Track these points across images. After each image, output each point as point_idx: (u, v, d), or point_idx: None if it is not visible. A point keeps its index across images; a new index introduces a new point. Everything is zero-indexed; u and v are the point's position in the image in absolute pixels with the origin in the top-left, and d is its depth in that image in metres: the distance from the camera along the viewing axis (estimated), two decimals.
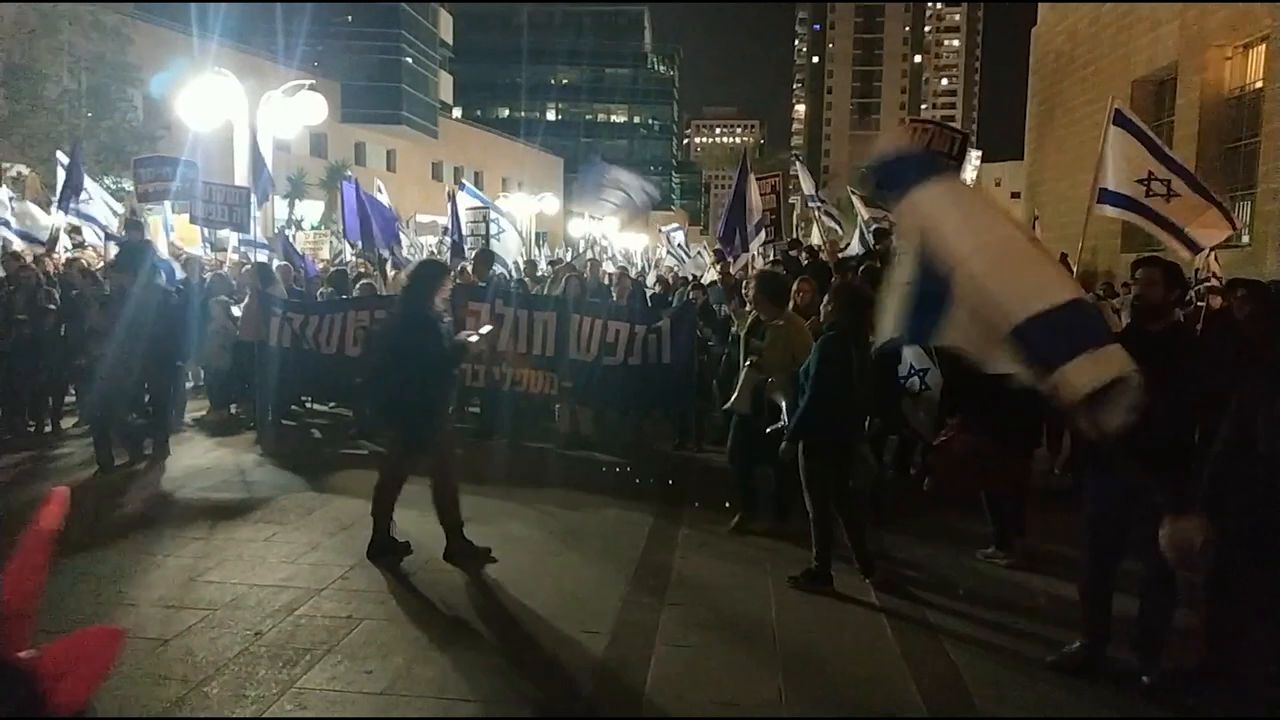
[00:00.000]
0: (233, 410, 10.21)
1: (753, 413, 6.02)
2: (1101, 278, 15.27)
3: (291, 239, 17.79)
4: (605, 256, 19.01)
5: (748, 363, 6.14)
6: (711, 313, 9.31)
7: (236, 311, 10.03)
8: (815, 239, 16.80)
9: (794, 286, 6.94)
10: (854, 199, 16.72)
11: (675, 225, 25.23)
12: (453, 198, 14.49)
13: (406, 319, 5.73)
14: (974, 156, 11.98)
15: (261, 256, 11.29)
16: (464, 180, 17.99)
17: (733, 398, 6.16)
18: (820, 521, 5.39)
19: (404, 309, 5.79)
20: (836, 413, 5.31)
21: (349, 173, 30.43)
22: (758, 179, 11.91)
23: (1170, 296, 4.22)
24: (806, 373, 5.37)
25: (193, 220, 12.18)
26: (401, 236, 16.18)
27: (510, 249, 13.44)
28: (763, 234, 11.43)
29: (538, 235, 21.84)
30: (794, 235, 16.56)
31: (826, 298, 5.63)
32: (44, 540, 1.14)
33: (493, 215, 13.69)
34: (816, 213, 15.80)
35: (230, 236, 13.79)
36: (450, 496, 5.80)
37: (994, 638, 4.75)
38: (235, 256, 13.47)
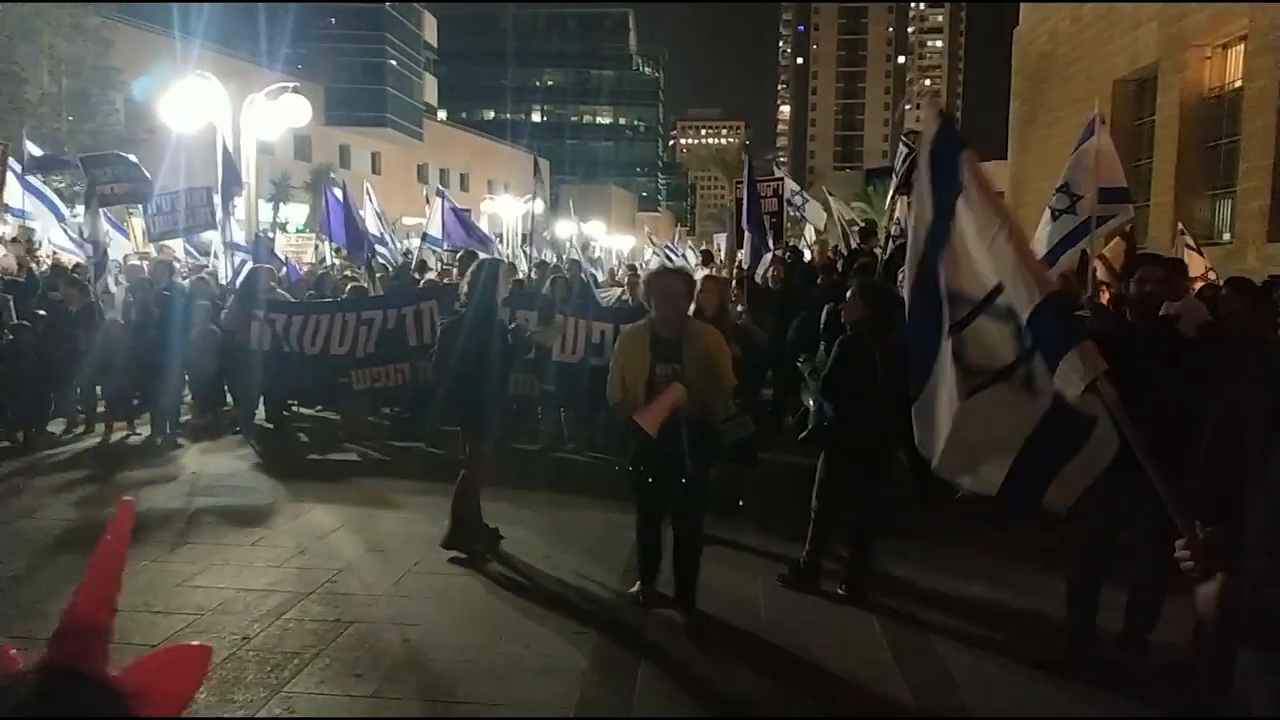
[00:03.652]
0: (206, 414, 10.11)
1: (665, 441, 4.63)
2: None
3: (273, 242, 17.75)
4: (589, 257, 18.95)
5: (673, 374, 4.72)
6: (701, 314, 9.30)
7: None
8: (809, 237, 16.85)
9: (697, 288, 6.33)
10: (831, 201, 16.79)
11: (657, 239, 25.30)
12: (446, 200, 14.55)
13: (476, 316, 5.89)
14: None
15: (233, 261, 11.29)
16: (440, 187, 18.09)
17: (643, 414, 4.63)
18: (820, 524, 5.31)
19: (473, 306, 5.93)
20: (855, 417, 5.09)
21: (333, 175, 30.34)
22: (758, 181, 11.94)
23: (1167, 293, 4.30)
24: (824, 376, 5.21)
25: (152, 238, 12.05)
26: (390, 240, 16.17)
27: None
28: (770, 237, 11.42)
29: (523, 237, 21.84)
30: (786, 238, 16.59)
31: (851, 296, 5.35)
32: (117, 551, 1.13)
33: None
34: (799, 211, 15.86)
35: (213, 240, 13.74)
36: (472, 489, 5.93)
37: (983, 635, 4.78)
38: (190, 260, 13.48)
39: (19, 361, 8.95)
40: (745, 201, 10.60)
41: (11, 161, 12.14)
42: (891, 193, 10.73)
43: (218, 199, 11.37)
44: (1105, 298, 8.55)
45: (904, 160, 10.17)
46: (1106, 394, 3.10)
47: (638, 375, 4.67)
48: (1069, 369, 3.11)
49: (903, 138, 10.37)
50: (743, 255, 11.07)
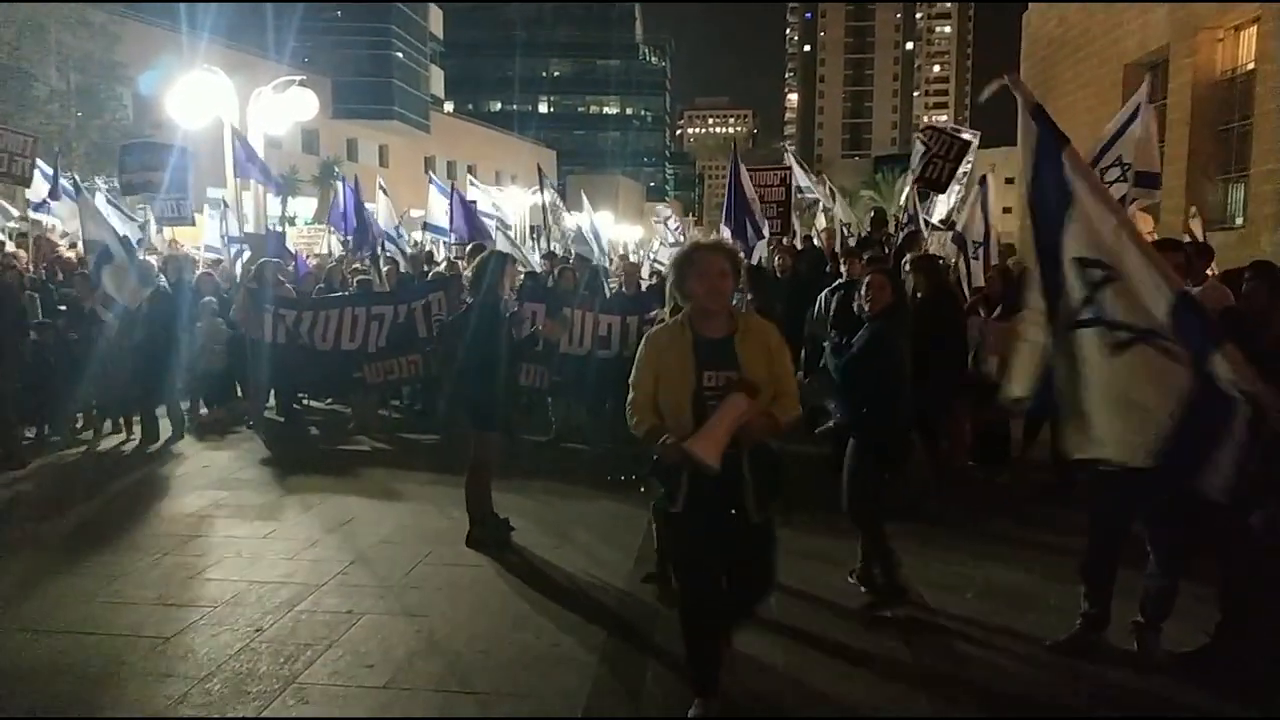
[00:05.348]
0: (216, 409, 10.11)
1: (721, 475, 3.33)
2: None
3: (283, 235, 17.74)
4: (588, 248, 18.83)
5: (723, 389, 3.40)
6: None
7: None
8: (820, 224, 16.76)
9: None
10: (827, 195, 16.67)
11: (668, 213, 25.11)
12: (455, 193, 14.51)
13: (482, 310, 5.89)
14: (967, 163, 11.77)
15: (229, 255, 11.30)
16: (431, 174, 17.91)
17: (698, 440, 3.29)
18: (869, 529, 5.02)
19: (479, 300, 5.92)
20: (886, 410, 4.93)
21: (337, 169, 30.35)
22: (762, 170, 11.91)
23: (1186, 279, 4.27)
24: (848, 367, 4.98)
25: (159, 221, 11.96)
26: (401, 233, 16.16)
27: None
28: (766, 226, 11.38)
29: (531, 228, 21.81)
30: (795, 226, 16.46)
31: (870, 283, 5.13)
32: None
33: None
34: (807, 201, 15.78)
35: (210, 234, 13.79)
36: (483, 483, 5.96)
37: (995, 623, 4.75)
38: (210, 255, 13.46)
39: (42, 358, 8.91)
40: (730, 189, 10.65)
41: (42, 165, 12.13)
42: (909, 188, 10.65)
43: (223, 194, 11.37)
44: None
45: (921, 158, 10.06)
46: (1265, 398, 3.08)
47: (678, 389, 3.48)
48: (1216, 370, 3.17)
49: (919, 134, 10.29)
50: (764, 238, 11.05)
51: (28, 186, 12.07)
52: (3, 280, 8.78)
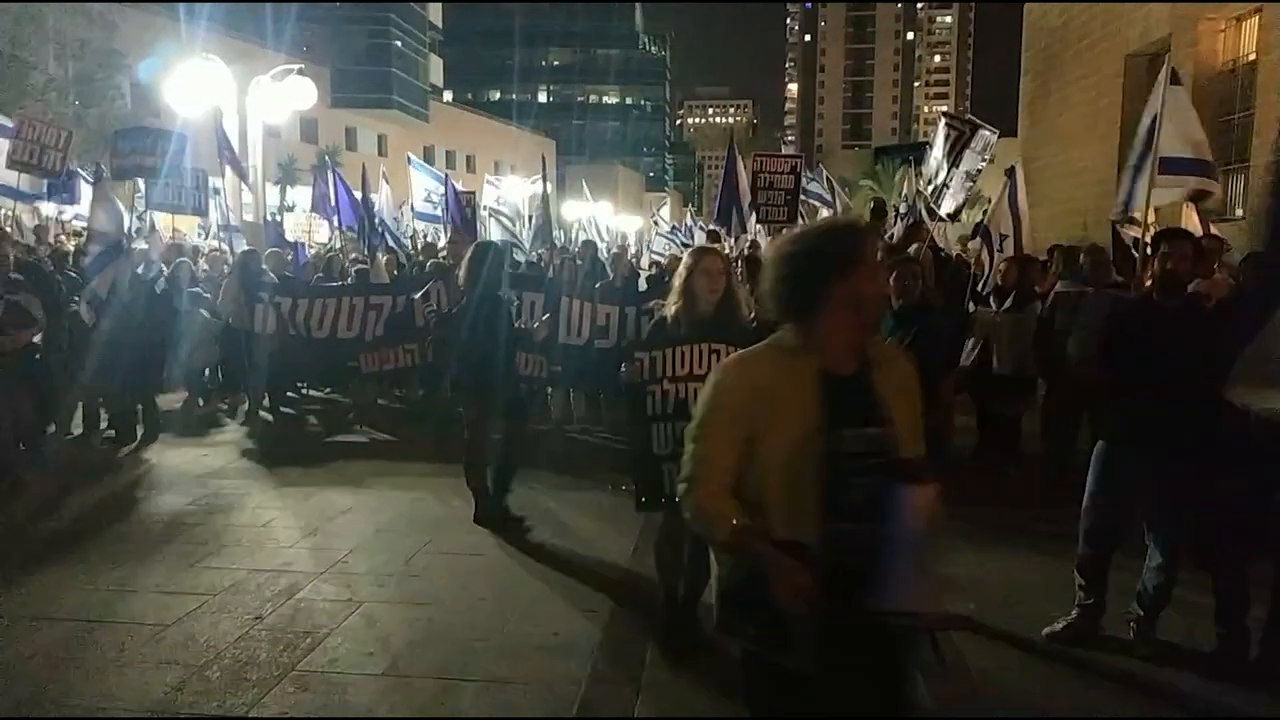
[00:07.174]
0: (203, 401, 10.09)
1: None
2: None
3: (282, 224, 17.70)
4: (584, 236, 18.74)
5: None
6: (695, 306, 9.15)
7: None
8: (822, 215, 16.74)
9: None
10: (833, 187, 16.63)
11: (664, 205, 25.07)
12: (448, 180, 14.45)
13: (482, 299, 5.98)
14: (984, 142, 11.42)
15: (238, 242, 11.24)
16: (411, 155, 17.66)
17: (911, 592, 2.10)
18: None
19: (475, 289, 6.00)
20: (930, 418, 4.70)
21: (328, 159, 30.27)
22: (775, 157, 11.88)
23: (1195, 271, 4.24)
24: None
25: (149, 206, 11.76)
26: (398, 221, 16.09)
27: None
28: (755, 215, 11.34)
29: (529, 217, 21.83)
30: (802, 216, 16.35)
31: (902, 273, 4.94)
32: None
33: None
34: (818, 193, 15.74)
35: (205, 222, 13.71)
36: (479, 460, 6.08)
37: (991, 611, 4.77)
38: (214, 243, 13.38)
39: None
40: (724, 181, 10.64)
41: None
42: (937, 177, 10.40)
43: (219, 182, 11.28)
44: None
45: (948, 143, 9.64)
46: None
47: (796, 459, 2.03)
48: None
49: (945, 116, 9.93)
50: (747, 233, 11.03)
51: (57, 179, 11.90)
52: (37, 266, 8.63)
